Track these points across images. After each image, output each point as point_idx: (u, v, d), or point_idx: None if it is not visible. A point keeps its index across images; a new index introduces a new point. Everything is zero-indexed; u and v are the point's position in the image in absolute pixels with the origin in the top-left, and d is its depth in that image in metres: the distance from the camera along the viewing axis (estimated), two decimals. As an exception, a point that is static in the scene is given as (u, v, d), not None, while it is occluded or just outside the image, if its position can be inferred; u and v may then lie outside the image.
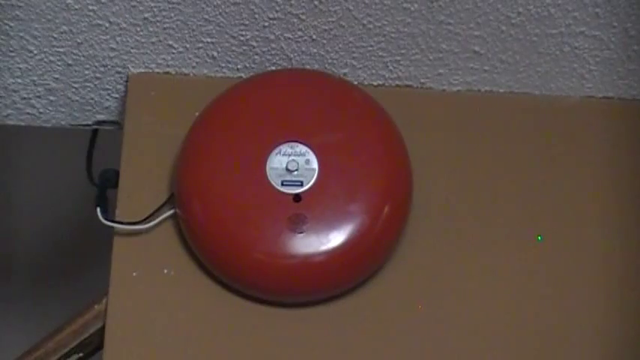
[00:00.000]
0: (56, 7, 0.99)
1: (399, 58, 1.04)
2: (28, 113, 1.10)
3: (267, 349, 0.95)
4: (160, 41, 1.03)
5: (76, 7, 0.99)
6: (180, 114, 1.03)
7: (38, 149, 1.73)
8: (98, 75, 1.06)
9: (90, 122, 1.12)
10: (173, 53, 1.04)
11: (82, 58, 1.04)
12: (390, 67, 1.06)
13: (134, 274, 0.97)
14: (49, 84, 1.07)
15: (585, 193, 1.04)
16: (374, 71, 1.06)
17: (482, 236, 1.01)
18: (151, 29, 1.01)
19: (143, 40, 1.03)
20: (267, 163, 0.96)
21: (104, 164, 1.06)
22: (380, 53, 1.04)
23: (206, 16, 1.00)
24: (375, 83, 1.07)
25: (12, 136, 1.71)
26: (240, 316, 0.96)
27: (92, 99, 1.09)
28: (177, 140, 1.00)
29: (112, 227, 0.98)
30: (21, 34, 1.01)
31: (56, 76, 1.06)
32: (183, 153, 0.99)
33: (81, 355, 0.99)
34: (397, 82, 1.07)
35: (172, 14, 1.00)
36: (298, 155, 0.96)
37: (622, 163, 1.06)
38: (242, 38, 1.02)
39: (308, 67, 1.05)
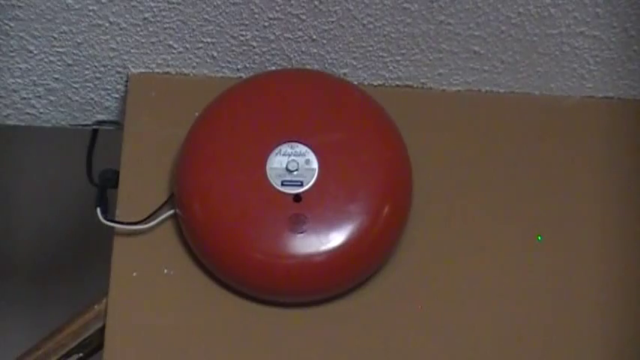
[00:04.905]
0: (56, 7, 0.99)
1: (399, 58, 1.05)
2: (28, 113, 1.10)
3: (267, 349, 0.95)
4: (160, 41, 1.03)
5: (76, 7, 0.99)
6: (180, 114, 1.03)
7: (38, 149, 1.74)
8: (98, 75, 1.06)
9: (90, 122, 1.12)
10: (173, 53, 1.04)
11: (82, 58, 1.04)
12: (390, 67, 1.06)
13: (134, 274, 0.97)
14: (49, 84, 1.07)
15: (585, 193, 1.04)
16: (374, 71, 1.06)
17: (482, 236, 1.01)
18: (151, 29, 1.01)
19: (143, 40, 1.03)
20: (267, 163, 0.96)
21: (104, 164, 1.06)
22: (380, 53, 1.04)
23: (206, 16, 1.00)
24: (375, 83, 1.07)
25: (12, 136, 1.71)
26: (240, 316, 0.96)
27: (92, 99, 1.09)
28: (178, 140, 1.00)
29: (112, 227, 0.98)
30: (21, 34, 1.01)
31: (56, 76, 1.06)
32: (183, 153, 0.99)
33: (81, 355, 0.99)
34: (397, 82, 1.07)
35: (172, 14, 1.00)
36: (298, 155, 0.96)
37: (622, 163, 1.06)
38: (242, 38, 1.03)
39: (308, 67, 1.05)
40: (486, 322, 0.97)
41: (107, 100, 1.09)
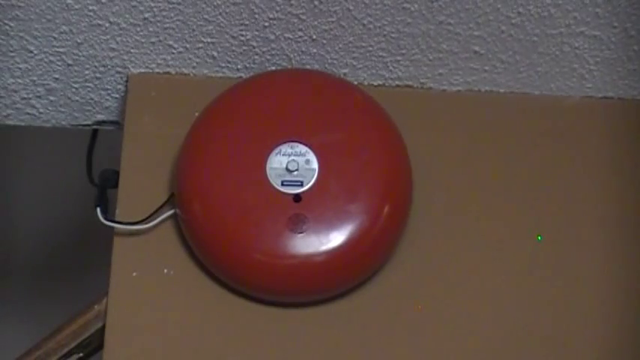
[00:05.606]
0: (56, 7, 0.99)
1: (399, 58, 1.05)
2: (28, 113, 1.10)
3: (268, 349, 0.95)
4: (160, 41, 1.03)
5: (76, 7, 0.99)
6: (180, 114, 1.03)
7: (38, 149, 1.74)
8: (98, 75, 1.06)
9: (90, 122, 1.12)
10: (173, 53, 1.04)
11: (82, 58, 1.04)
12: (390, 67, 1.06)
13: (134, 274, 0.97)
14: (49, 84, 1.07)
15: (585, 193, 1.04)
16: (374, 71, 1.06)
17: (483, 236, 1.01)
18: (151, 29, 1.01)
19: (143, 40, 1.03)
20: (267, 163, 0.96)
21: (104, 164, 1.07)
22: (380, 53, 1.04)
23: (206, 16, 1.00)
24: (375, 83, 1.07)
25: (12, 136, 1.71)
26: (241, 316, 0.96)
27: (92, 99, 1.09)
28: (178, 140, 1.00)
29: (112, 227, 0.98)
30: (21, 34, 1.01)
31: (56, 76, 1.06)
32: (183, 153, 0.99)
33: (81, 355, 0.99)
34: (397, 82, 1.07)
35: (172, 14, 1.00)
36: (298, 155, 0.96)
37: (622, 163, 1.06)
38: (242, 38, 1.03)
39: (308, 67, 1.05)
40: (486, 322, 0.97)
41: (107, 100, 1.09)
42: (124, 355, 0.94)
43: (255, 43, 1.03)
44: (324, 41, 1.03)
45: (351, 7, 0.99)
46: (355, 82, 1.07)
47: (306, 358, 0.95)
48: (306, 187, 0.96)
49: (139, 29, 1.01)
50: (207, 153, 0.97)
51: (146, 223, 0.98)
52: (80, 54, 1.04)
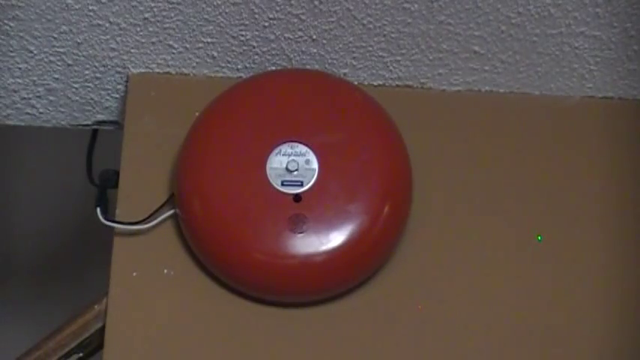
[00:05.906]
0: (56, 7, 0.99)
1: (399, 58, 1.05)
2: (28, 113, 1.10)
3: (267, 349, 0.95)
4: (160, 41, 1.03)
5: (76, 7, 0.99)
6: (180, 114, 1.03)
7: (38, 149, 1.74)
8: (98, 75, 1.06)
9: (90, 122, 1.12)
10: (173, 53, 1.04)
11: (82, 58, 1.04)
12: (390, 67, 1.06)
13: (134, 274, 0.97)
14: (49, 84, 1.07)
15: (585, 193, 1.04)
16: (374, 71, 1.06)
17: (482, 236, 1.01)
18: (151, 29, 1.02)
19: (143, 40, 1.03)
20: (267, 163, 0.96)
21: (104, 164, 1.07)
22: (380, 53, 1.04)
23: (206, 16, 1.00)
24: (375, 83, 1.07)
25: (12, 136, 1.71)
26: (241, 316, 0.96)
27: (92, 99, 1.09)
28: (178, 140, 1.00)
29: (112, 227, 0.98)
30: (21, 34, 1.01)
31: (56, 76, 1.06)
32: (183, 153, 0.99)
33: (81, 355, 0.99)
34: (397, 82, 1.07)
35: (172, 14, 1.00)
36: (298, 155, 0.96)
37: (622, 163, 1.06)
38: (242, 38, 1.03)
39: (308, 67, 1.05)
40: (486, 323, 0.97)
41: (107, 100, 1.09)
42: (124, 355, 0.94)
43: (255, 43, 1.03)
44: (324, 41, 1.03)
45: (351, 7, 0.99)
46: (355, 82, 1.07)
47: (306, 358, 0.95)
48: (306, 187, 0.96)
49: (139, 29, 1.01)
50: (207, 153, 0.97)
51: (146, 223, 0.98)
52: (80, 54, 1.04)
